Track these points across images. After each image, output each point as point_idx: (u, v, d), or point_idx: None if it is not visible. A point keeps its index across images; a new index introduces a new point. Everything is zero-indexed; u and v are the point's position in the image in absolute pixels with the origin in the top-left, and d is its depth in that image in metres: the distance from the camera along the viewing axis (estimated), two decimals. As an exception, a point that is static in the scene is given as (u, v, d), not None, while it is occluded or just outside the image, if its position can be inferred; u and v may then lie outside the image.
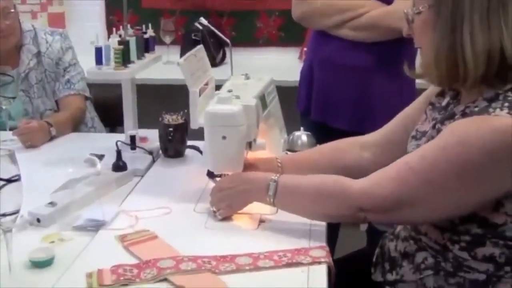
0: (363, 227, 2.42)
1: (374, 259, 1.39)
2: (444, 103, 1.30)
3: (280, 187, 1.32)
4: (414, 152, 1.22)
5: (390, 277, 1.32)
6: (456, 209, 1.16)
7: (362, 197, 1.22)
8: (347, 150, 1.51)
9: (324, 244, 1.29)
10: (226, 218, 1.40)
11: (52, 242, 1.30)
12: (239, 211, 1.40)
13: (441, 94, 1.33)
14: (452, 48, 1.15)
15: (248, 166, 1.49)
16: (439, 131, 1.21)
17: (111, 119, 2.45)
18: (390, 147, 1.43)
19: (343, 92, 2.03)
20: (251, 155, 1.53)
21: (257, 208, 1.39)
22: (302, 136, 1.74)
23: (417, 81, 1.88)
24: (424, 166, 1.15)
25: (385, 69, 1.98)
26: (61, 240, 1.31)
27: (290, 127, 1.77)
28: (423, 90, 1.44)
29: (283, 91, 1.81)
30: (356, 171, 1.42)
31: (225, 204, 1.39)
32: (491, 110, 1.13)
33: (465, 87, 1.20)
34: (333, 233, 1.92)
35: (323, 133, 1.84)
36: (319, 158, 1.51)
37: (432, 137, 1.21)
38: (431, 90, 1.38)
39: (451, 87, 1.28)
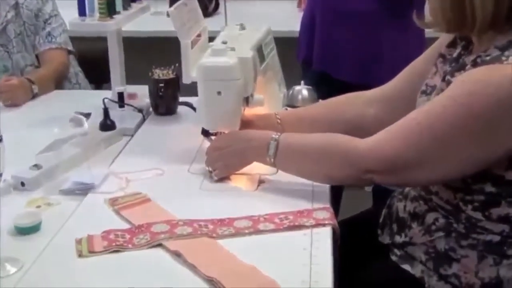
0: (369, 187, 2.43)
1: (381, 220, 1.40)
2: (455, 54, 1.28)
3: (281, 147, 1.31)
4: (423, 107, 1.21)
5: (399, 239, 1.32)
6: (468, 166, 1.16)
7: (369, 157, 1.22)
8: (350, 105, 1.49)
9: (328, 205, 1.29)
10: (223, 179, 1.40)
11: (38, 207, 1.31)
12: (237, 172, 1.40)
13: (452, 45, 1.31)
14: None
15: (245, 123, 1.48)
16: (449, 83, 1.20)
17: (97, 75, 2.44)
18: (397, 103, 1.42)
19: (347, 40, 2.02)
20: (248, 111, 1.52)
21: (256, 168, 1.39)
22: (303, 90, 1.74)
23: (427, 33, 1.87)
24: (433, 120, 1.15)
25: (393, 18, 1.96)
26: (48, 204, 1.32)
27: (290, 81, 1.76)
28: (434, 41, 1.42)
29: (282, 42, 1.79)
30: (360, 128, 1.42)
31: (221, 164, 1.39)
32: (503, 58, 1.12)
33: (474, 32, 1.18)
34: (337, 194, 1.93)
35: (325, 86, 1.83)
36: (320, 114, 1.50)
37: (442, 90, 1.20)
38: (441, 41, 1.36)
39: (461, 34, 1.26)
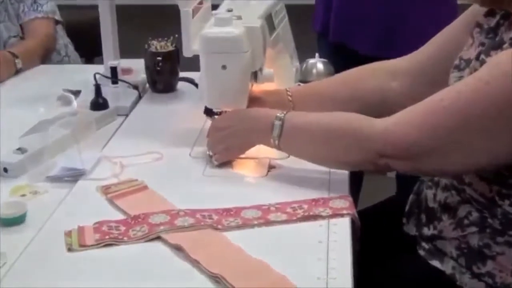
0: (391, 173, 2.42)
1: (407, 208, 1.39)
2: (493, 24, 1.26)
3: (287, 127, 1.30)
4: (451, 87, 1.19)
5: (427, 231, 1.32)
6: (498, 156, 1.14)
7: (384, 140, 1.20)
8: (371, 78, 1.47)
9: (346, 193, 1.28)
10: (228, 164, 1.40)
11: (23, 195, 1.31)
12: (241, 156, 1.40)
13: (490, 14, 1.28)
14: None
15: (254, 100, 1.47)
16: (482, 63, 1.19)
17: (87, 47, 2.44)
18: (426, 77, 1.40)
19: (369, 8, 2.01)
20: (257, 87, 1.52)
21: (266, 151, 1.38)
22: (318, 63, 1.73)
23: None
24: (461, 104, 1.13)
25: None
26: (34, 193, 1.32)
27: (303, 54, 1.75)
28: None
29: (294, 10, 1.79)
30: (382, 105, 1.42)
31: (223, 146, 1.39)
32: None
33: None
34: (356, 181, 1.93)
35: (343, 59, 1.82)
36: (337, 89, 1.49)
37: (475, 70, 1.19)
38: (477, 8, 1.33)
39: (497, 7, 1.24)
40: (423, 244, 1.32)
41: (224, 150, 1.38)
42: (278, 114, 1.31)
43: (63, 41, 2.35)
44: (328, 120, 1.29)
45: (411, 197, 1.39)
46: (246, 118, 1.38)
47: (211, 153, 1.40)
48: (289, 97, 1.49)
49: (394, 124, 1.21)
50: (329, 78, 1.60)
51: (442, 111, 1.15)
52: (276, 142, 1.31)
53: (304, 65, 1.73)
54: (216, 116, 1.49)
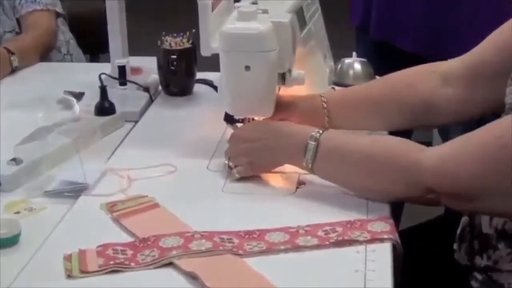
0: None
1: (459, 231, 1.37)
2: None
3: (322, 150, 1.30)
4: (508, 118, 1.17)
5: (480, 261, 1.30)
6: None
7: (434, 177, 1.21)
8: (421, 83, 1.46)
9: (387, 214, 1.28)
10: (250, 179, 1.40)
11: (17, 212, 1.31)
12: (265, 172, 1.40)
13: None
14: None
15: (281, 107, 1.47)
16: None
17: (92, 43, 2.47)
18: (477, 83, 1.39)
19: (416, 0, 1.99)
20: (285, 91, 1.52)
21: (294, 165, 1.38)
22: (355, 64, 1.72)
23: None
24: None
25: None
26: (29, 209, 1.32)
27: (339, 53, 1.75)
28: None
29: (329, 2, 1.78)
30: (429, 112, 1.43)
31: (247, 160, 1.39)
32: None
33: None
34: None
35: (385, 59, 1.82)
36: (381, 95, 1.49)
37: None
38: None
39: None
40: (476, 274, 1.31)
41: (248, 164, 1.39)
42: (313, 134, 1.31)
43: (65, 36, 2.37)
44: (369, 145, 1.30)
45: (464, 218, 1.38)
46: (277, 133, 1.38)
47: (231, 164, 1.40)
48: (323, 104, 1.48)
49: (444, 160, 1.21)
50: (371, 82, 1.60)
51: (501, 150, 1.14)
52: (310, 165, 1.32)
53: (340, 66, 1.72)
54: (238, 124, 1.50)
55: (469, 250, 1.34)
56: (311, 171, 1.33)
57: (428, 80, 1.46)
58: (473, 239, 1.34)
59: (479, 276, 1.30)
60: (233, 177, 1.40)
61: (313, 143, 1.31)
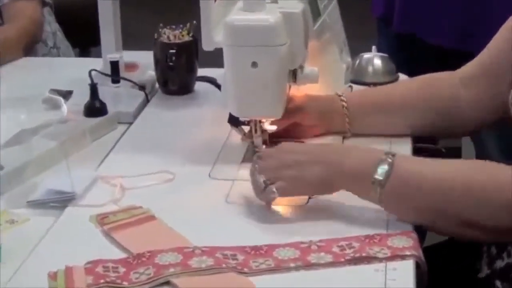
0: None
1: (485, 247, 1.39)
2: None
3: (397, 174, 1.25)
4: None
5: (500, 263, 1.32)
6: None
7: None
8: (447, 86, 1.50)
9: (409, 228, 1.28)
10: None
11: (-3, 225, 1.32)
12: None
13: None
14: None
15: (294, 107, 1.48)
16: None
17: (82, 36, 2.46)
18: (493, 81, 1.43)
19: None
20: (297, 90, 1.52)
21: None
22: (375, 59, 1.74)
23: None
24: None
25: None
26: (11, 222, 1.32)
27: (357, 47, 1.76)
28: None
29: (346, -10, 1.78)
30: (456, 115, 1.48)
31: (293, 174, 1.30)
32: None
33: None
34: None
35: (409, 53, 1.82)
36: (410, 96, 1.52)
37: None
38: None
39: None
40: (497, 283, 1.32)
41: (293, 180, 1.31)
42: (383, 156, 1.26)
43: (51, 28, 2.37)
44: (459, 171, 1.27)
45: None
46: (338, 151, 1.34)
47: (265, 179, 1.31)
48: (343, 104, 1.49)
49: None
50: (392, 85, 1.64)
51: None
52: (377, 192, 1.26)
53: (358, 61, 1.73)
54: (244, 127, 1.50)
55: (488, 260, 1.36)
56: (379, 199, 1.27)
57: (451, 83, 1.50)
58: (490, 246, 1.36)
59: (499, 285, 1.32)
60: (269, 196, 1.31)
61: (385, 166, 1.25)
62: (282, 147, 1.38)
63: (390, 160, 1.26)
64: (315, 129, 1.54)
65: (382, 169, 1.26)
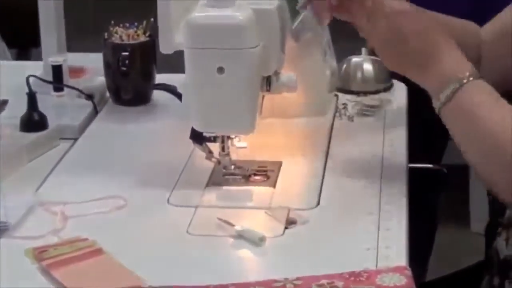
0: (476, 226, 2.41)
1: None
2: None
3: (460, 100, 1.38)
4: None
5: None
6: None
7: None
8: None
9: (403, 262, 1.28)
10: (225, 215, 1.39)
11: None
12: (247, 204, 1.41)
13: None
14: None
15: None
16: None
17: (20, 36, 2.45)
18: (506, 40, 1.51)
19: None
20: (271, 100, 1.55)
21: (284, 194, 1.40)
22: (365, 64, 1.74)
23: None
24: None
25: None
26: None
27: (344, 49, 1.77)
28: None
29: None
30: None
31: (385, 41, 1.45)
32: None
33: None
34: (423, 236, 1.92)
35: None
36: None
37: None
38: None
39: None
40: None
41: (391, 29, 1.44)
42: (459, 75, 1.39)
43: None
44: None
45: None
46: (432, 42, 1.43)
47: None
48: None
49: None
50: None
51: None
52: (439, 106, 1.41)
53: (345, 66, 1.74)
54: (209, 144, 1.50)
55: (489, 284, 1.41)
56: (439, 113, 1.42)
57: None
58: (493, 275, 1.41)
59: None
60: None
61: (453, 86, 1.39)
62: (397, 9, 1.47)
63: (463, 80, 1.39)
64: None
65: (448, 90, 1.40)
